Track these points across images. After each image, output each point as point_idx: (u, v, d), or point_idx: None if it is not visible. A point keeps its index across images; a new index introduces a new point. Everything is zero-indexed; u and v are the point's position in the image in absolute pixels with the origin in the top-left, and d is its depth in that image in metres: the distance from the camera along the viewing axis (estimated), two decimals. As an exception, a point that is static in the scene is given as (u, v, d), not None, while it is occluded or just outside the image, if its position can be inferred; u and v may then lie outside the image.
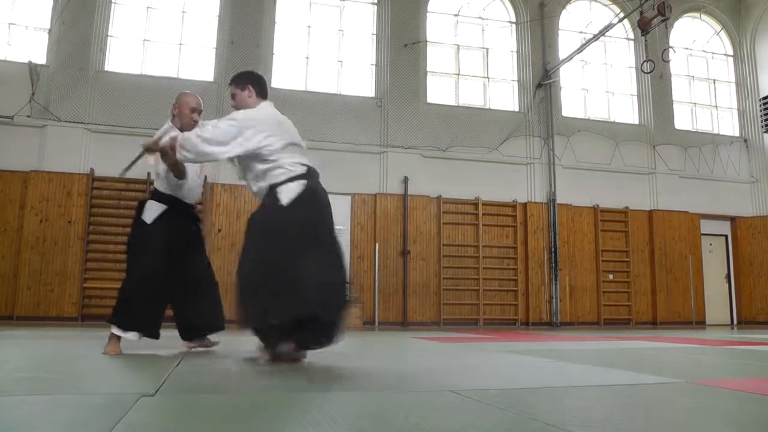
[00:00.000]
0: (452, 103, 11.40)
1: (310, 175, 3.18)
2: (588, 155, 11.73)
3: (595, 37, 11.00)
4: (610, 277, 11.46)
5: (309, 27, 11.06)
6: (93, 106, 9.61)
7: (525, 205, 11.17)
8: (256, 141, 3.09)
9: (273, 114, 3.30)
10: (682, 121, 12.73)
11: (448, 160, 10.95)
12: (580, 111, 12.15)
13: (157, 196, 3.91)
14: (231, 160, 3.29)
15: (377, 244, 10.24)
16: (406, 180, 10.56)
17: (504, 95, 11.79)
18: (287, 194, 3.04)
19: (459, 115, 11.23)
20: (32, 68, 9.37)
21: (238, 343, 4.52)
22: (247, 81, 3.41)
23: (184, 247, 3.83)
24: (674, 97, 12.66)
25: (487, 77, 11.74)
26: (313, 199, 3.12)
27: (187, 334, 3.95)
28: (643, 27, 9.57)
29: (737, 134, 13.02)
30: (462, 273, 10.75)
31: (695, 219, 12.11)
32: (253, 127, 3.11)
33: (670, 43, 11.32)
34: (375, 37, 11.20)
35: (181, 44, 10.40)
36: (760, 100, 12.88)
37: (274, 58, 10.68)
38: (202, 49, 10.46)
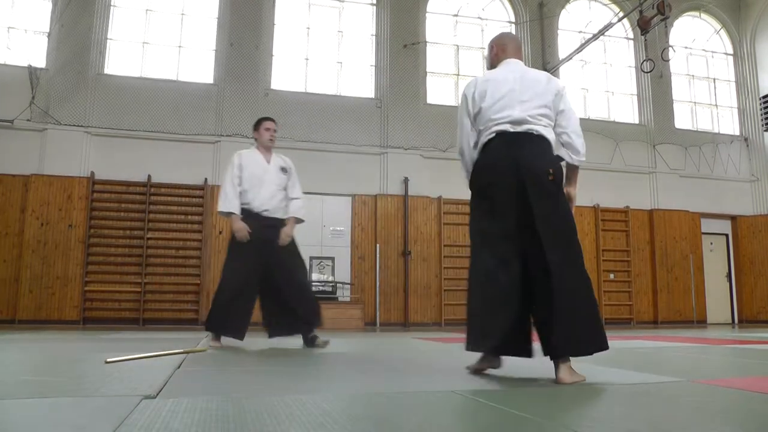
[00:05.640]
0: (452, 103, 11.40)
1: None
2: (588, 155, 11.41)
3: (595, 37, 11.00)
4: (611, 276, 11.46)
5: (308, 28, 11.07)
6: (93, 109, 9.62)
7: (525, 205, 11.16)
8: None
9: None
10: (682, 120, 12.73)
11: (449, 161, 10.94)
12: (580, 110, 12.15)
13: None
14: None
15: (378, 245, 10.24)
16: (406, 181, 10.56)
17: (504, 95, 11.77)
18: None
19: (459, 115, 11.22)
20: (32, 72, 9.38)
21: (238, 345, 4.52)
22: None
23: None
24: (674, 96, 12.66)
25: (487, 77, 11.72)
26: None
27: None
28: (642, 26, 9.57)
29: (737, 133, 13.02)
30: (463, 273, 10.73)
31: (696, 218, 12.10)
32: None
33: (670, 42, 11.31)
34: (374, 37, 11.21)
35: (180, 46, 10.41)
36: (760, 99, 12.87)
37: (273, 59, 10.69)
38: (201, 51, 10.47)
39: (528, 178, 2.52)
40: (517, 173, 2.54)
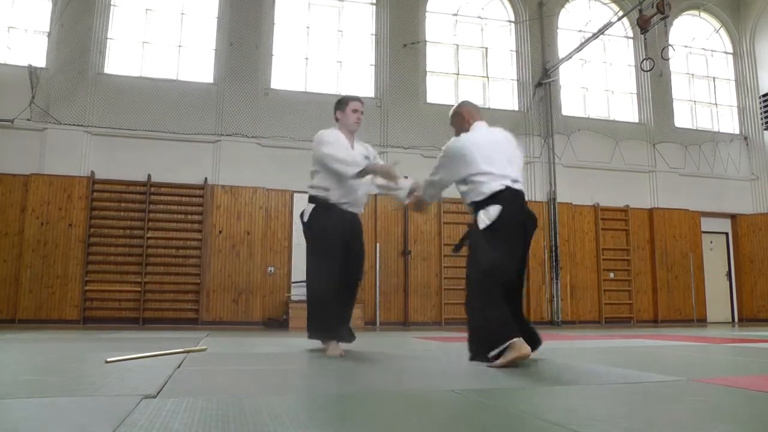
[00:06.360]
0: (452, 102, 11.34)
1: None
2: (588, 154, 11.73)
3: (595, 36, 10.99)
4: (611, 275, 11.46)
5: (308, 28, 11.07)
6: (93, 108, 9.62)
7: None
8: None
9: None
10: (682, 118, 12.72)
11: (448, 160, 10.94)
12: (579, 110, 12.15)
13: None
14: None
15: (378, 245, 10.24)
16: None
17: (503, 94, 11.78)
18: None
19: (459, 114, 11.22)
20: (32, 71, 9.37)
21: (238, 345, 4.53)
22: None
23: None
24: (674, 95, 12.66)
25: (487, 77, 11.74)
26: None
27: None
28: (642, 25, 9.56)
29: (737, 132, 13.02)
30: (463, 273, 10.66)
31: (696, 217, 12.10)
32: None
33: (670, 41, 11.31)
34: (374, 37, 11.20)
35: (180, 46, 10.40)
36: (760, 98, 12.87)
37: (273, 59, 10.68)
38: (201, 51, 10.46)
39: (529, 224, 3.40)
40: (526, 218, 3.37)
